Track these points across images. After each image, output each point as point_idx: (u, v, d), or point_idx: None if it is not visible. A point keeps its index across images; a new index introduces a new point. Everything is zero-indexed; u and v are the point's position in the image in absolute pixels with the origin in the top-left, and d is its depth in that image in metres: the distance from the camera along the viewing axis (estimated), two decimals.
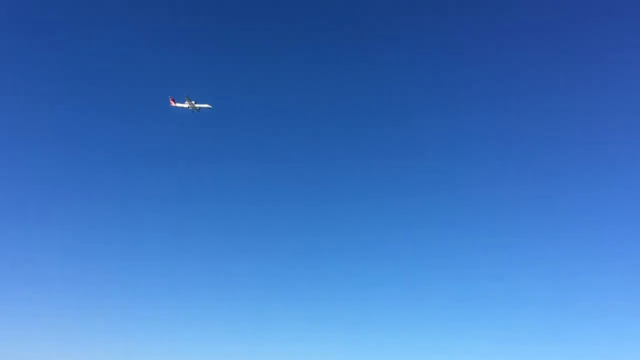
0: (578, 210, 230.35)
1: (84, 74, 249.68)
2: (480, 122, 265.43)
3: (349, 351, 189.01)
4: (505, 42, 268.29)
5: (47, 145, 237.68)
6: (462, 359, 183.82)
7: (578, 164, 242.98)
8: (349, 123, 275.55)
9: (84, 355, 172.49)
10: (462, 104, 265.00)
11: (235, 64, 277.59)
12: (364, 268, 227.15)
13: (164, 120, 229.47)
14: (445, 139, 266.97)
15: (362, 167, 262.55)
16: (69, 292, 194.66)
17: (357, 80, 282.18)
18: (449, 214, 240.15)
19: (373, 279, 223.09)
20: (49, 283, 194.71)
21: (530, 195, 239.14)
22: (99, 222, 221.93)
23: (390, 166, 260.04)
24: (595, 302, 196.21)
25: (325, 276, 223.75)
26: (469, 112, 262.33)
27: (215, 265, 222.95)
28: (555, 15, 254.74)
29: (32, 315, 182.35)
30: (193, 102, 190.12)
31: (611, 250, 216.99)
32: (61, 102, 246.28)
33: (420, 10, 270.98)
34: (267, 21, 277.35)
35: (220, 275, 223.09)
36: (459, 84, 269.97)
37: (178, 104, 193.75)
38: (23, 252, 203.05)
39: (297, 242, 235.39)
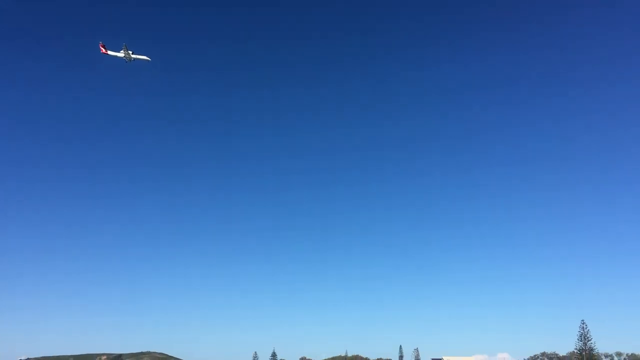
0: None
1: None
2: (491, 125, 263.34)
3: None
4: (504, 42, 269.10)
5: None
6: None
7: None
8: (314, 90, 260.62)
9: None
10: (467, 103, 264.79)
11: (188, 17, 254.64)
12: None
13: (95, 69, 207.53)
14: (447, 139, 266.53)
15: (352, 143, 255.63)
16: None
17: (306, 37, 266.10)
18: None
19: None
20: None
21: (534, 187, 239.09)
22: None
23: (388, 156, 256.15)
24: None
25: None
26: (483, 114, 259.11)
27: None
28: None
29: (32, 314, 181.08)
30: (130, 52, 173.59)
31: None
32: None
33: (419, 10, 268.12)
34: None
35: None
36: (460, 82, 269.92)
37: (111, 52, 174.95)
38: None
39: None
